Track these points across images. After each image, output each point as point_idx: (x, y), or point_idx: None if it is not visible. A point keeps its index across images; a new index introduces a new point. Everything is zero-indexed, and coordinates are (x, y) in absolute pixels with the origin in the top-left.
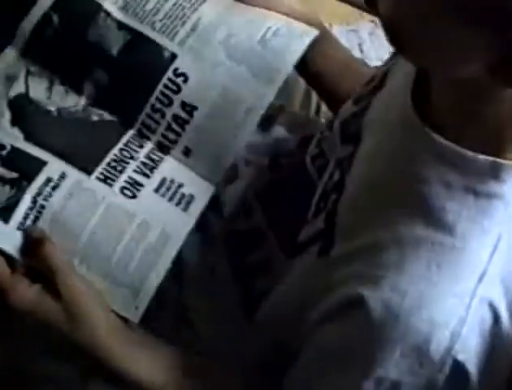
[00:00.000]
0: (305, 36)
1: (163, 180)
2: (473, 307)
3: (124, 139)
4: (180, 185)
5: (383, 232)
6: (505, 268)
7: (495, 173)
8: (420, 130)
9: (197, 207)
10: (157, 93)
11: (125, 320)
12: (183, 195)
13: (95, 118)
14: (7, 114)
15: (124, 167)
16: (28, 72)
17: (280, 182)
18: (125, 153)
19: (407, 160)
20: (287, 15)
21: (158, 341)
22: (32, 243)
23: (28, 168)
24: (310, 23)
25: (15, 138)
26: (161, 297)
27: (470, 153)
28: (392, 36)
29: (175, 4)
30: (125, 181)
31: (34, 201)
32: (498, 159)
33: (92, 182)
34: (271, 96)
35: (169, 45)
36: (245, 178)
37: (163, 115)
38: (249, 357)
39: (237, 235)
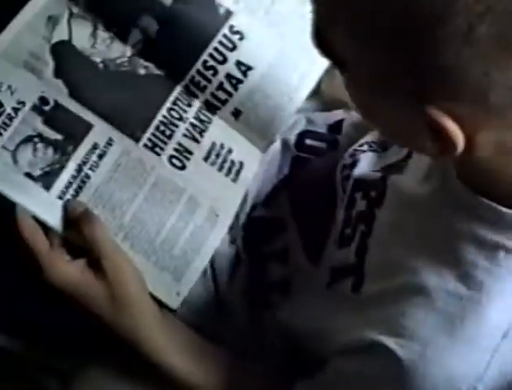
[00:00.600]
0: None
1: (213, 145)
2: (492, 364)
3: (173, 96)
4: (230, 151)
5: (412, 280)
6: None
7: None
8: (455, 183)
9: (247, 176)
10: (211, 49)
11: (160, 304)
12: (232, 163)
13: (142, 71)
14: (51, 63)
15: (173, 131)
16: (71, 15)
17: (306, 167)
18: (174, 113)
19: (442, 212)
20: None
21: (194, 334)
22: (76, 218)
23: (72, 130)
24: None
25: (60, 92)
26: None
27: (502, 209)
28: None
29: None
30: (174, 149)
31: (79, 170)
32: None
33: (140, 150)
34: (323, 64)
35: (224, 1)
36: (270, 152)
37: (216, 73)
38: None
39: (258, 222)
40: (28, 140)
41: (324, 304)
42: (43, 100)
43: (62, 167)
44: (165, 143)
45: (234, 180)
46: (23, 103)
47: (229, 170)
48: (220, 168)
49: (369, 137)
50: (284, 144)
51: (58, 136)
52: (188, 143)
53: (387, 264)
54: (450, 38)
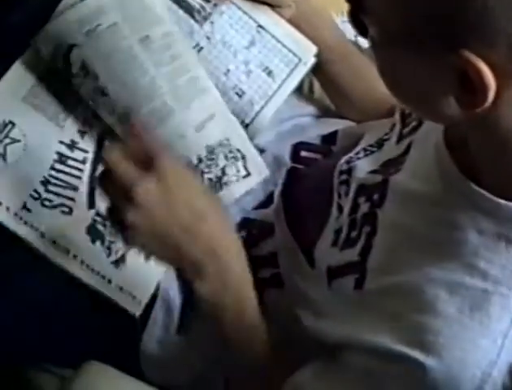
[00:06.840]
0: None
1: None
2: (505, 349)
3: None
4: None
5: (417, 275)
6: None
7: None
8: (457, 178)
9: None
10: None
11: None
12: None
13: None
14: None
15: None
16: None
17: (301, 176)
18: None
19: (443, 206)
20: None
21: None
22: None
23: None
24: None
25: None
26: None
27: (503, 202)
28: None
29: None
30: None
31: None
32: None
33: None
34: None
35: None
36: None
37: None
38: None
39: (248, 225)
40: None
41: (332, 306)
42: None
43: None
44: None
45: None
46: None
47: None
48: None
49: (363, 144)
50: (276, 158)
51: None
52: None
53: (391, 261)
54: None
